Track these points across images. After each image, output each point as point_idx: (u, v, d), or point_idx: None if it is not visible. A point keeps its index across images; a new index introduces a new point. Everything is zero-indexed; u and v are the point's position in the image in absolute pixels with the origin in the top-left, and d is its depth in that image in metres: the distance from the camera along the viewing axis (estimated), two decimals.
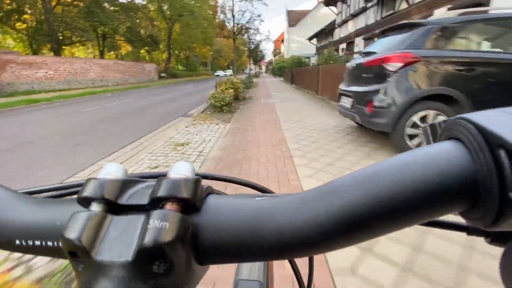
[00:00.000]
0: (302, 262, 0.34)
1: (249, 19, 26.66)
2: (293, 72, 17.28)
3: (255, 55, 35.60)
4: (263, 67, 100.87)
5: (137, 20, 22.61)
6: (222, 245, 0.16)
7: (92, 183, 0.17)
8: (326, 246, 0.15)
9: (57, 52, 18.63)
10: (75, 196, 0.18)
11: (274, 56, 63.50)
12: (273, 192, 0.26)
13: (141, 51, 42.99)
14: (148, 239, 0.14)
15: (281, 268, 1.30)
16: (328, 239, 0.14)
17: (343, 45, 15.62)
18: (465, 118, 0.14)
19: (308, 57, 19.68)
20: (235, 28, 24.94)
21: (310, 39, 22.54)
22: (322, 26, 21.64)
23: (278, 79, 27.15)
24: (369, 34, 11.80)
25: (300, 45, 38.91)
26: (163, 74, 32.73)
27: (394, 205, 0.13)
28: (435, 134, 0.18)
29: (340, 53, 12.86)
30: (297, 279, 0.34)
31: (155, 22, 27.43)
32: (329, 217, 0.14)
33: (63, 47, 23.10)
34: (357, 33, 13.27)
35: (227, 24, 25.93)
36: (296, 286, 0.34)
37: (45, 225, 0.17)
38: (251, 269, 0.43)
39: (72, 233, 0.15)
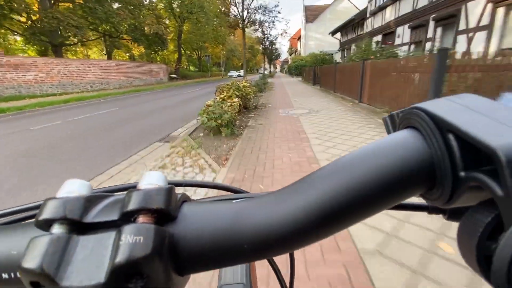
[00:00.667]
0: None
1: (264, 8, 23.52)
2: (316, 70, 14.67)
3: (270, 53, 33.11)
4: (278, 66, 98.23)
5: (142, 17, 20.76)
6: (202, 253, 0.15)
7: (51, 203, 0.16)
8: (304, 240, 0.15)
9: (57, 52, 17.16)
10: (33, 220, 0.16)
11: (290, 54, 60.73)
12: (247, 192, 0.26)
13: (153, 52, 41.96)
14: (121, 257, 0.13)
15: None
16: (306, 233, 0.14)
17: (378, 38, 12.82)
18: (419, 107, 0.15)
19: (331, 54, 16.81)
20: (246, 14, 21.85)
21: (333, 33, 19.78)
22: (342, 21, 18.91)
23: (295, 79, 24.52)
24: (419, 20, 9.04)
25: (319, 42, 36.11)
26: (173, 76, 31.07)
27: (363, 194, 0.14)
28: (394, 123, 0.18)
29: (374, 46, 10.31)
30: (277, 278, 0.34)
31: (163, 20, 25.62)
32: (304, 211, 0.14)
33: (67, 47, 21.77)
34: (399, 21, 10.49)
35: (233, 10, 23.04)
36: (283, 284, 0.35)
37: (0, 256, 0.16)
38: (234, 273, 0.43)
39: (31, 261, 0.13)
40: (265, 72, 37.89)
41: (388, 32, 11.69)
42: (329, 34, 20.41)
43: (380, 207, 0.15)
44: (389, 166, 0.14)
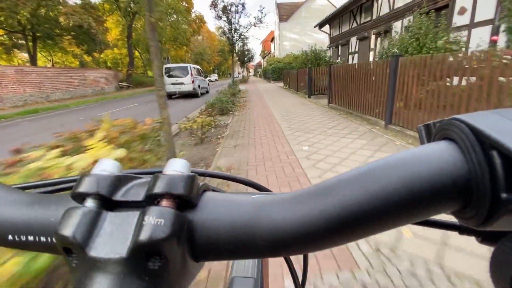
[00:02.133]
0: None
1: None
2: (314, 75, 9.76)
3: (242, 55, 28.46)
4: (252, 70, 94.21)
5: (53, 4, 14.66)
6: (218, 242, 0.15)
7: (86, 179, 0.17)
8: (320, 244, 0.15)
9: None
10: (69, 191, 0.17)
11: (263, 57, 56.86)
12: (270, 190, 0.26)
13: (98, 55, 35.23)
14: (143, 236, 0.14)
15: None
16: (323, 237, 0.14)
17: (397, 24, 8.57)
18: (459, 119, 0.14)
19: (324, 51, 12.36)
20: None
21: (320, 26, 15.49)
22: (320, 18, 14.84)
23: (275, 85, 19.86)
24: None
25: (294, 42, 32.28)
26: (123, 84, 25.11)
27: (388, 204, 0.13)
28: (430, 134, 0.18)
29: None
30: (292, 276, 0.34)
31: (95, 12, 19.67)
32: (324, 215, 0.14)
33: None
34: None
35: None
36: (291, 282, 0.34)
37: (39, 221, 0.17)
38: (246, 266, 0.44)
39: (66, 229, 0.14)
40: (237, 76, 33.01)
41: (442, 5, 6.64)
42: (315, 27, 16.20)
43: (404, 220, 0.14)
44: (420, 178, 0.13)
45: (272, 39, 45.49)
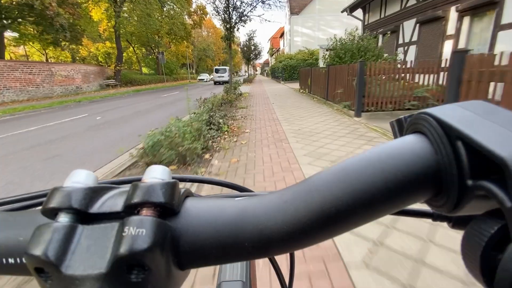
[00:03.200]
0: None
1: None
2: (370, 75, 5.41)
3: (249, 51, 24.74)
4: (258, 69, 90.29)
5: None
6: (203, 248, 0.15)
7: (58, 193, 0.16)
8: (306, 241, 0.15)
9: None
10: (39, 207, 0.17)
11: (271, 55, 53.03)
12: (252, 191, 0.26)
13: (94, 50, 31.91)
14: (124, 248, 0.13)
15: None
16: (307, 234, 0.14)
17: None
18: (427, 113, 0.15)
19: (373, 37, 8.18)
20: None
21: (351, 10, 11.56)
22: (335, 12, 11.14)
23: (287, 87, 15.96)
24: None
25: (306, 38, 28.35)
26: (109, 81, 21.70)
27: (367, 198, 0.14)
28: (402, 128, 0.18)
29: None
30: (277, 276, 0.34)
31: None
32: (308, 212, 0.14)
33: None
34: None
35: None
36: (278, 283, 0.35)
37: (6, 241, 0.16)
38: (234, 270, 0.43)
39: (37, 248, 0.14)
40: (243, 74, 29.25)
41: None
42: (343, 11, 12.31)
43: (383, 212, 0.15)
44: (394, 170, 0.14)
45: (281, 35, 41.60)
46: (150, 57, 33.08)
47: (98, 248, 0.14)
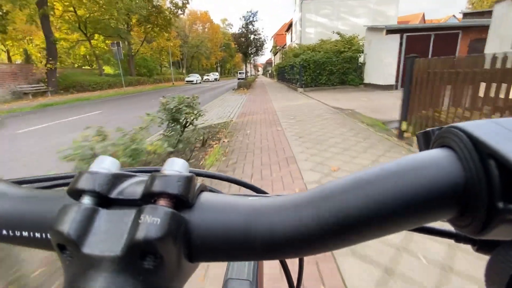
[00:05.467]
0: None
1: None
2: None
3: (247, 43, 17.09)
4: (260, 69, 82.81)
5: None
6: (214, 243, 0.15)
7: (84, 176, 0.17)
8: (316, 248, 0.15)
9: None
10: (66, 187, 0.17)
11: (275, 54, 45.49)
12: (267, 193, 0.26)
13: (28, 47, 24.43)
14: (139, 234, 0.14)
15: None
16: (319, 241, 0.14)
17: None
18: (457, 127, 0.14)
19: None
20: None
21: None
22: None
23: (316, 102, 7.94)
24: None
25: (321, 29, 20.89)
26: (32, 88, 14.21)
27: (384, 211, 0.13)
28: (428, 141, 0.18)
29: None
30: (287, 280, 0.34)
31: None
32: (320, 220, 0.14)
33: None
34: None
35: None
36: (286, 286, 0.35)
37: (34, 216, 0.17)
38: (241, 268, 0.44)
39: (61, 226, 0.14)
40: (240, 75, 21.83)
41: None
42: None
43: (400, 226, 0.14)
44: (416, 184, 0.13)
45: (288, 28, 34.05)
46: (123, 53, 25.51)
47: (115, 232, 0.15)
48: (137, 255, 0.14)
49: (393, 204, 0.13)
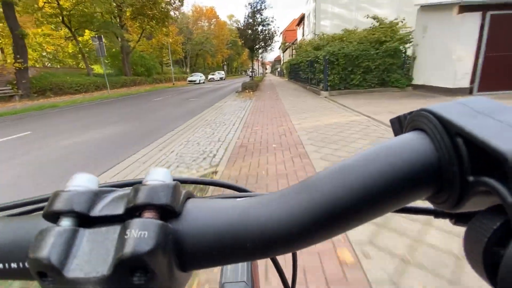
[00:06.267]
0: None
1: None
2: None
3: (253, 36, 14.29)
4: (268, 67, 79.64)
5: None
6: (205, 249, 0.15)
7: (59, 196, 0.16)
8: (307, 240, 0.15)
9: None
10: (41, 211, 0.17)
11: (284, 51, 42.44)
12: (251, 191, 0.27)
13: None
14: (126, 250, 0.13)
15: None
16: (309, 233, 0.15)
17: None
18: (427, 110, 0.15)
19: None
20: None
21: None
22: None
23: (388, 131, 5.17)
24: None
25: (338, 21, 17.85)
26: (3, 90, 11.82)
27: (367, 196, 0.14)
28: (401, 126, 0.18)
29: None
30: (280, 277, 0.34)
31: None
32: (309, 212, 0.14)
33: None
34: None
35: None
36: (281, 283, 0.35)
37: (8, 246, 0.16)
38: (236, 271, 0.44)
39: (39, 252, 0.14)
40: (250, 73, 19.25)
41: None
42: None
43: (384, 209, 0.15)
44: (394, 168, 0.14)
45: (300, 22, 31.00)
46: (114, 50, 23.06)
47: (101, 251, 0.14)
48: (127, 272, 0.14)
49: (376, 189, 0.14)
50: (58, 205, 0.15)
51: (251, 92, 11.70)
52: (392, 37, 8.21)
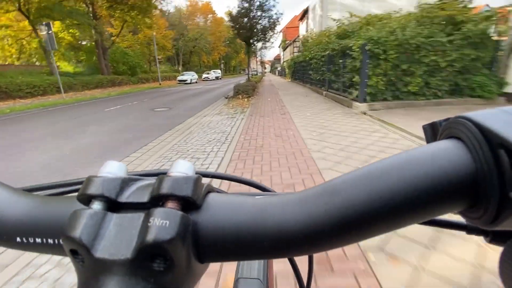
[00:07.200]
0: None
1: None
2: None
3: (250, 27, 11.15)
4: (267, 66, 76.33)
5: None
6: (222, 243, 0.16)
7: (92, 181, 0.17)
8: (326, 245, 0.15)
9: None
10: (76, 194, 0.18)
11: (284, 49, 39.31)
12: (274, 191, 0.26)
13: None
14: (148, 237, 0.14)
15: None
16: (328, 237, 0.14)
17: None
18: (465, 117, 0.14)
19: None
20: None
21: None
22: None
23: None
24: None
25: (348, 14, 14.90)
26: None
27: (393, 204, 0.13)
28: (435, 133, 0.17)
29: None
30: (296, 278, 0.34)
31: None
32: (330, 216, 0.14)
33: None
34: None
35: None
36: (296, 284, 0.35)
37: (46, 223, 0.17)
38: (251, 267, 0.44)
39: (72, 231, 0.15)
40: (252, 72, 16.12)
41: None
42: None
43: (410, 220, 0.14)
44: (426, 177, 0.13)
45: (303, 16, 27.81)
46: (88, 45, 19.80)
47: (125, 236, 0.15)
48: (148, 258, 0.14)
49: (402, 198, 0.13)
50: (91, 189, 0.17)
51: (246, 99, 8.50)
52: (470, 19, 5.04)
